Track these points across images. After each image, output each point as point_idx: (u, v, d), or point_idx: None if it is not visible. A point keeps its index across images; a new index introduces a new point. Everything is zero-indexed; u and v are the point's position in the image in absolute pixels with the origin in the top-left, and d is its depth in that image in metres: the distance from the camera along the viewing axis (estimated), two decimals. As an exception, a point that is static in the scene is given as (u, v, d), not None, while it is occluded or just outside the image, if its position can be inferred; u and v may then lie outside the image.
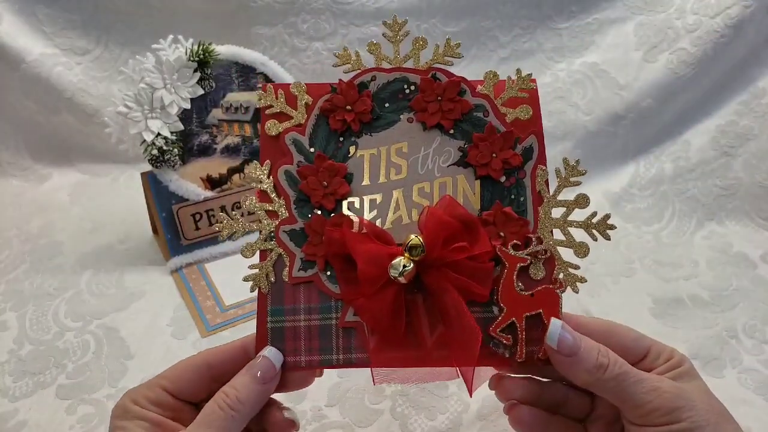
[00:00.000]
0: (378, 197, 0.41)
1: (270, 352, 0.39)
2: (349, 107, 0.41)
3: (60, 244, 0.86)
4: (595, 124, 1.00)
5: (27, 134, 1.04)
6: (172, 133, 0.77)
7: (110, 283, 0.78)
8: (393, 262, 0.37)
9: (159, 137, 0.76)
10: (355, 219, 0.40)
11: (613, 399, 0.37)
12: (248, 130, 0.85)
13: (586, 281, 0.40)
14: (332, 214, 0.41)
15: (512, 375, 0.43)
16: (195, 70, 0.77)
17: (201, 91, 0.78)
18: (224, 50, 0.79)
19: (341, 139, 0.42)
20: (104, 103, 1.00)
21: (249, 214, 0.42)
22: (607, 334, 0.41)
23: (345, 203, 0.41)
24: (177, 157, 0.78)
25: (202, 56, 0.77)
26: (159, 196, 0.79)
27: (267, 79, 0.84)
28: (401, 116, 0.42)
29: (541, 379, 0.43)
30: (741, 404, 0.60)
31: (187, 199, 0.80)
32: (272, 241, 0.41)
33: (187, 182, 0.80)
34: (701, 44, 0.93)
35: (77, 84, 1.00)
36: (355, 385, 0.61)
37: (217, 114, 0.82)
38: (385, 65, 0.42)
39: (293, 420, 0.41)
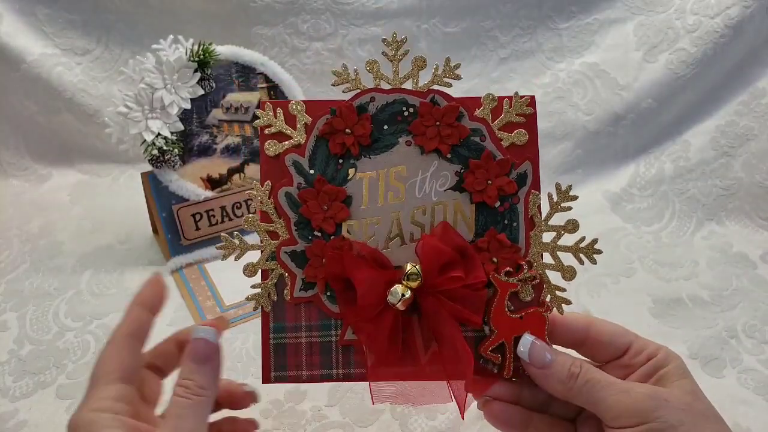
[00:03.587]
0: (376, 220, 0.42)
1: (199, 331, 0.39)
2: (348, 130, 0.41)
3: (60, 244, 0.86)
4: (595, 124, 1.00)
5: (27, 134, 1.03)
6: (172, 133, 0.77)
7: (110, 283, 0.78)
8: (391, 289, 0.39)
9: (159, 137, 0.76)
10: (355, 242, 0.41)
11: (587, 405, 0.38)
12: (248, 130, 0.85)
13: (570, 303, 0.42)
14: (332, 237, 0.42)
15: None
16: (195, 71, 0.77)
17: (201, 92, 0.78)
18: (224, 50, 0.79)
19: (341, 161, 0.42)
20: (104, 103, 1.00)
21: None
22: (585, 330, 0.42)
23: (344, 225, 0.42)
24: (177, 157, 0.78)
25: (202, 56, 0.77)
26: (159, 196, 0.79)
27: (267, 79, 0.84)
28: (400, 139, 0.42)
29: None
30: (741, 404, 0.60)
31: (188, 199, 0.80)
32: (273, 260, 0.42)
33: (187, 182, 0.80)
34: (701, 44, 0.93)
35: (77, 84, 1.00)
36: (355, 385, 0.61)
37: (217, 114, 0.82)
38: (384, 85, 0.42)
39: (253, 391, 0.43)
